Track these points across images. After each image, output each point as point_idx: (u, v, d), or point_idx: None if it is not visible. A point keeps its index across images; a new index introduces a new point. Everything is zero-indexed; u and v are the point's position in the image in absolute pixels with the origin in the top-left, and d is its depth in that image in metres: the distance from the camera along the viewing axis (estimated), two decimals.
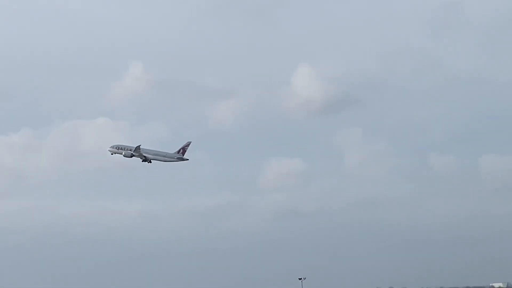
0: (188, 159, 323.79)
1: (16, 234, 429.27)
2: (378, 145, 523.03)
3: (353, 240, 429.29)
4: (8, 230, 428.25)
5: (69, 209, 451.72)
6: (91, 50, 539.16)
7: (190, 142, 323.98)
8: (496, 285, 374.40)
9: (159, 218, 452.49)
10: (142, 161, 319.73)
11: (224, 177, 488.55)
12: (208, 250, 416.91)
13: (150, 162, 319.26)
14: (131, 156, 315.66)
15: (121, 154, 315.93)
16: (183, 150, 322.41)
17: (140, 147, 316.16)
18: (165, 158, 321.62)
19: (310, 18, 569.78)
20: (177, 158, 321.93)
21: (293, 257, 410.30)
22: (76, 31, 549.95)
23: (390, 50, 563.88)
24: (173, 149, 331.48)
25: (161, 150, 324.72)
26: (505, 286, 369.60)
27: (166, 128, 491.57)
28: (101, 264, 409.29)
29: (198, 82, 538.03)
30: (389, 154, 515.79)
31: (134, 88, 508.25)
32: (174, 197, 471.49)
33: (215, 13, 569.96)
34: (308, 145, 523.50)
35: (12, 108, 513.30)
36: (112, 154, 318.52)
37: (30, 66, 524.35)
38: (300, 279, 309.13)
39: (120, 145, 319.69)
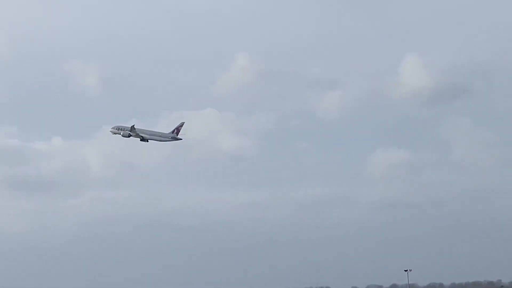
0: (181, 139, 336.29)
1: (125, 223, 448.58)
2: (488, 135, 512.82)
3: (461, 232, 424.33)
4: (117, 219, 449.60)
5: (176, 199, 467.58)
6: (199, 41, 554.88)
7: (184, 122, 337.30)
8: None
9: (266, 209, 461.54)
10: (140, 140, 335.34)
11: (330, 167, 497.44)
12: (313, 241, 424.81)
13: (147, 141, 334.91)
14: (129, 136, 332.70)
15: (120, 134, 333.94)
16: (177, 130, 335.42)
17: (135, 127, 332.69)
18: (161, 138, 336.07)
19: (418, 5, 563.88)
20: (172, 137, 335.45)
21: (399, 249, 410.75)
22: (184, 23, 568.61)
23: (500, 37, 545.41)
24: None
25: (156, 130, 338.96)
26: None
27: (272, 119, 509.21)
28: (208, 254, 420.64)
29: (304, 72, 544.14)
30: (499, 144, 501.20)
31: (240, 78, 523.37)
32: (280, 188, 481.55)
33: (321, 2, 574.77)
34: (416, 135, 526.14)
35: (121, 99, 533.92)
36: (114, 134, 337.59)
37: (139, 58, 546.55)
38: (406, 271, 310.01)
39: (120, 126, 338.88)
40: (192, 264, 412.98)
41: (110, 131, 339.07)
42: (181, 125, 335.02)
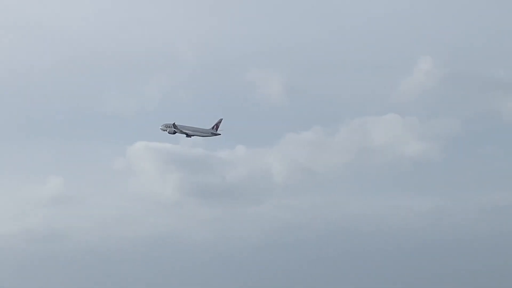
0: (220, 134, 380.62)
1: (307, 230, 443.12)
2: None
3: None
4: (299, 226, 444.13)
5: (358, 205, 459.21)
6: (380, 46, 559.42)
7: (222, 119, 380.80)
8: None
9: (448, 215, 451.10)
10: (186, 136, 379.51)
11: None
12: (497, 248, 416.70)
13: (191, 137, 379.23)
14: (174, 133, 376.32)
15: (167, 131, 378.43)
16: (216, 126, 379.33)
17: (176, 124, 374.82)
18: (202, 133, 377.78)
19: None
20: (211, 133, 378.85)
21: None
22: (364, 28, 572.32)
23: None
24: None
25: (197, 127, 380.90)
26: None
27: (456, 123, 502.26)
28: (388, 261, 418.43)
29: (489, 74, 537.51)
30: None
31: (423, 83, 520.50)
32: (464, 193, 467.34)
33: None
34: None
35: (304, 107, 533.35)
36: (162, 131, 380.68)
37: (322, 65, 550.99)
38: None
39: (167, 123, 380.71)
40: (372, 270, 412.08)
41: (160, 129, 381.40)
42: (220, 121, 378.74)
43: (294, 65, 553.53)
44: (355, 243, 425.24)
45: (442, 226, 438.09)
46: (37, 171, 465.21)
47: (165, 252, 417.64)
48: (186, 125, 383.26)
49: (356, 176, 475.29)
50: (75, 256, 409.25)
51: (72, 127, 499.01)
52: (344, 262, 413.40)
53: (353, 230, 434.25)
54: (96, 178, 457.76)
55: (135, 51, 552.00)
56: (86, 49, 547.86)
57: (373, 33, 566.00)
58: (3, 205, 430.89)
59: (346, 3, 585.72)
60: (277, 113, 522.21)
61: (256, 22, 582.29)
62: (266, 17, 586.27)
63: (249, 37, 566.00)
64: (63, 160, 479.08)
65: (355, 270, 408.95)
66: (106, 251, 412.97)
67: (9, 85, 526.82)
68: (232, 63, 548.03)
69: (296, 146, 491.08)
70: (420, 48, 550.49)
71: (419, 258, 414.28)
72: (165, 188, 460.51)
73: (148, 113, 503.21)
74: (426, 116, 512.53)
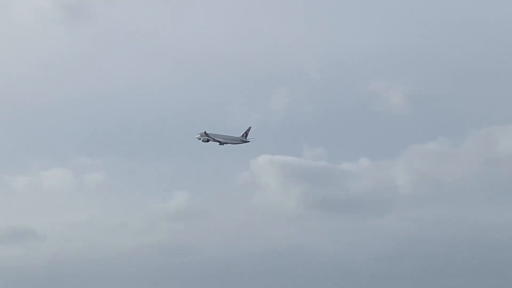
0: (249, 141, 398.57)
1: (433, 242, 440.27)
2: None
3: None
4: (426, 237, 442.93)
5: (486, 217, 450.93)
6: (507, 52, 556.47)
7: (250, 127, 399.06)
8: None
9: None
10: (219, 144, 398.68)
11: None
12: None
13: (223, 144, 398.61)
14: (207, 141, 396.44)
15: (201, 139, 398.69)
16: (246, 134, 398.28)
17: (208, 132, 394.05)
18: (233, 141, 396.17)
19: None
20: (241, 140, 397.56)
21: None
22: (489, 33, 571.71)
23: None
24: None
25: (228, 134, 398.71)
26: None
27: None
28: None
29: None
30: None
31: None
32: None
33: None
34: None
35: (428, 116, 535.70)
36: (198, 139, 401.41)
37: (445, 72, 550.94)
38: None
39: (201, 132, 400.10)
40: (502, 282, 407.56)
41: (196, 137, 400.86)
42: (249, 129, 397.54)
43: (417, 74, 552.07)
44: (484, 254, 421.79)
45: None
46: (162, 186, 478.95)
47: (290, 265, 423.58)
48: (217, 133, 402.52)
49: (484, 187, 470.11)
50: (201, 269, 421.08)
51: (196, 142, 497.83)
52: (472, 274, 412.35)
53: (481, 241, 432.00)
54: (220, 192, 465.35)
55: (259, 64, 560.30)
56: (210, 63, 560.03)
57: (498, 39, 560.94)
58: (132, 220, 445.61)
59: (471, 10, 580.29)
60: (401, 123, 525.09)
61: (378, 31, 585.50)
62: (388, 26, 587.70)
63: (371, 47, 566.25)
64: (188, 175, 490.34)
65: (484, 281, 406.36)
66: (232, 264, 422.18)
67: (134, 102, 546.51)
68: (355, 74, 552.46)
69: (421, 157, 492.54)
70: None
71: None
72: (289, 201, 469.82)
73: (271, 126, 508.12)
74: None
